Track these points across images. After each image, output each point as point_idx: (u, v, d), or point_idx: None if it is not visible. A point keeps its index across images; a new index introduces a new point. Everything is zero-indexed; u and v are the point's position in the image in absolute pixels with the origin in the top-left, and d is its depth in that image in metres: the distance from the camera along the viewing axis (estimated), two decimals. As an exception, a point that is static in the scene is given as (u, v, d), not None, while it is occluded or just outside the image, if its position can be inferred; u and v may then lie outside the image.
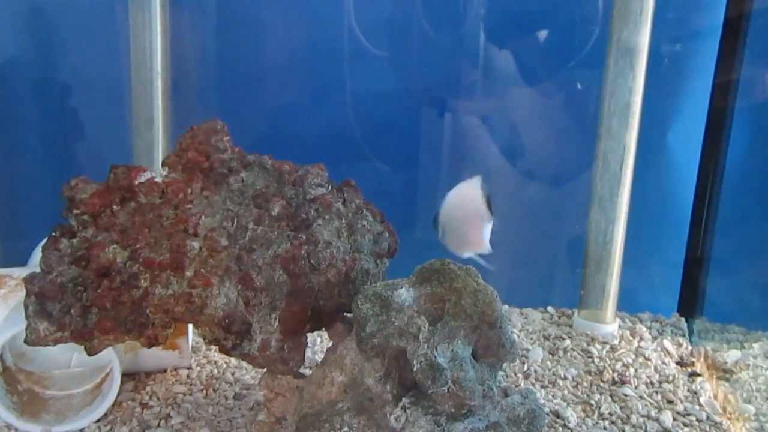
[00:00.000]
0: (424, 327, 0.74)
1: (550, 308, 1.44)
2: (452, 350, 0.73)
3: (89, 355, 0.86)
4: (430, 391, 0.72)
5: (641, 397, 1.05)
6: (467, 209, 0.85)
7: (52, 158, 1.44)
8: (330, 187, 0.87)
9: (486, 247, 0.85)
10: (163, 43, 1.35)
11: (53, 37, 1.39)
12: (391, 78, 1.50)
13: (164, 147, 1.37)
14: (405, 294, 0.75)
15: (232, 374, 1.09)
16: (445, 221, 0.84)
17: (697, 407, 1.03)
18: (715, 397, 1.08)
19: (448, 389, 0.72)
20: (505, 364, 0.83)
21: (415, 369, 0.73)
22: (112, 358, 0.94)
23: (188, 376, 1.07)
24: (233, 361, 1.13)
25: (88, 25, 1.40)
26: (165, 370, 1.07)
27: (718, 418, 1.00)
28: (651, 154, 1.39)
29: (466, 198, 0.86)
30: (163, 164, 0.92)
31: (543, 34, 1.45)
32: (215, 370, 1.09)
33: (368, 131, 1.50)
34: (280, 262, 0.79)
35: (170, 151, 1.36)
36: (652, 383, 1.11)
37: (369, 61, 1.46)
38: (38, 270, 0.88)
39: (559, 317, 1.41)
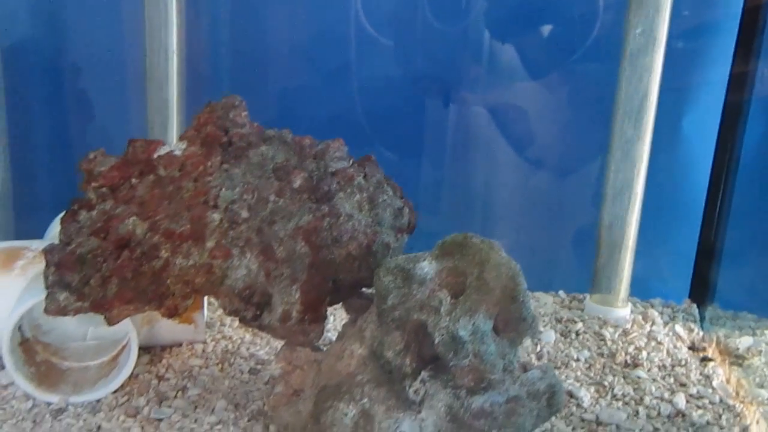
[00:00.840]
0: (446, 300, 0.74)
1: (561, 292, 1.45)
2: (473, 324, 0.73)
3: (109, 325, 0.86)
4: (451, 364, 0.72)
5: (654, 380, 1.06)
6: None
7: (67, 136, 1.44)
8: (351, 162, 0.87)
9: None
10: (178, 24, 1.34)
11: (69, 18, 1.39)
12: (399, 66, 1.50)
13: (178, 126, 1.37)
14: (427, 267, 0.75)
15: (247, 349, 1.09)
16: None
17: (710, 390, 1.03)
18: (728, 381, 1.08)
19: (468, 362, 0.72)
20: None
21: (436, 341, 0.73)
22: (129, 330, 0.94)
23: (203, 351, 1.07)
24: (247, 336, 1.14)
25: (104, 6, 1.40)
26: (180, 345, 1.08)
27: (731, 402, 1.00)
28: (666, 143, 1.39)
29: None
30: (182, 138, 0.92)
31: (556, 22, 1.44)
32: (230, 345, 1.10)
33: (375, 118, 1.50)
34: (301, 234, 0.79)
35: (184, 130, 1.38)
36: (664, 366, 1.11)
37: (377, 49, 1.46)
38: (56, 242, 0.88)
39: (570, 301, 1.41)
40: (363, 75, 1.49)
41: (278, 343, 1.12)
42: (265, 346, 1.11)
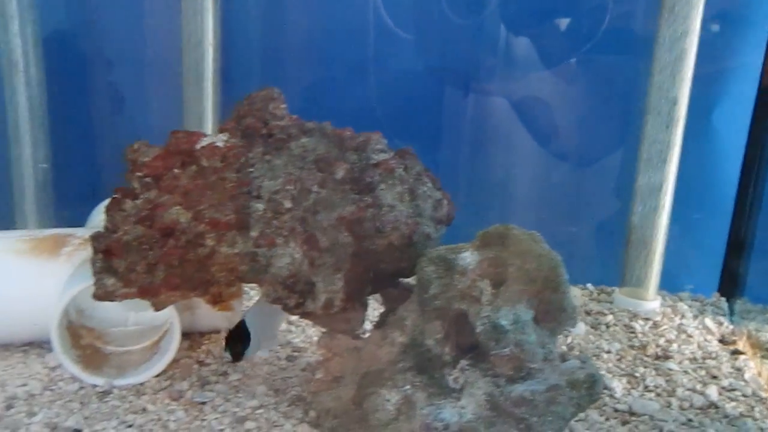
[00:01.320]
0: (487, 290, 0.76)
1: (589, 285, 1.45)
2: (514, 313, 0.75)
3: (155, 310, 0.89)
4: (492, 353, 0.74)
5: (685, 372, 1.07)
6: None
7: (104, 127, 1.47)
8: (391, 153, 0.89)
9: None
10: (214, 16, 1.36)
11: (107, 8, 1.41)
12: (421, 59, 1.50)
13: (213, 118, 1.39)
14: (469, 257, 0.77)
15: (283, 337, 1.11)
16: None
17: (742, 383, 1.04)
18: (759, 374, 1.09)
19: (509, 351, 0.74)
20: (559, 332, 0.84)
21: (478, 330, 0.75)
22: (172, 315, 0.97)
23: (240, 338, 1.09)
24: (283, 324, 1.16)
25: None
26: (218, 331, 1.10)
27: (764, 394, 1.01)
28: (697, 135, 1.39)
29: None
30: (222, 130, 0.94)
31: (580, 12, 1.44)
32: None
33: (397, 110, 1.51)
34: (344, 224, 0.81)
35: (219, 121, 1.40)
36: (695, 359, 1.12)
37: (399, 42, 1.47)
38: (101, 229, 0.91)
39: (599, 294, 1.42)
40: (386, 68, 1.50)
41: (312, 332, 1.15)
42: (300, 335, 1.13)
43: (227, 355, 0.91)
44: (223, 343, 0.91)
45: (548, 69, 1.47)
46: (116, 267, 0.88)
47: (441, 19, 1.46)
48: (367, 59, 1.50)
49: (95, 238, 0.89)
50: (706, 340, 1.19)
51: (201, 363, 1.01)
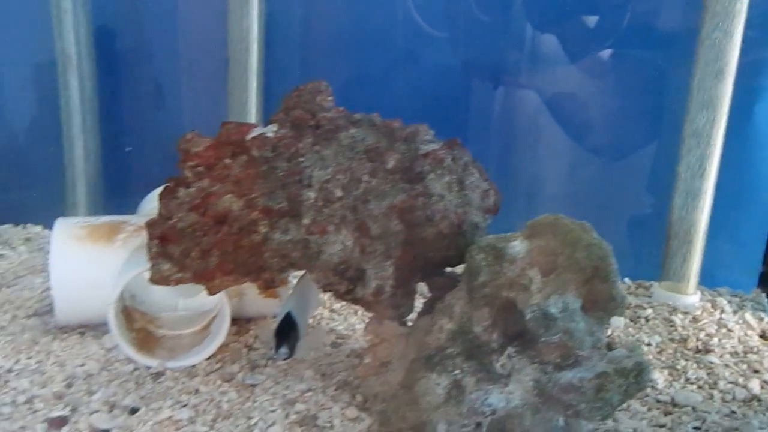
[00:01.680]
0: (536, 278, 0.77)
1: (627, 280, 1.46)
2: (563, 302, 0.76)
3: (210, 294, 0.92)
4: (541, 340, 0.76)
5: (727, 366, 1.07)
6: None
7: (150, 118, 1.51)
8: (440, 144, 0.90)
9: None
10: (259, 10, 1.39)
11: (155, 4, 1.45)
12: (454, 54, 1.52)
13: (257, 110, 1.42)
14: (519, 246, 0.78)
15: (327, 324, 1.14)
16: None
17: (784, 377, 1.04)
18: (802, 369, 1.09)
19: (558, 339, 0.75)
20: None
21: (527, 317, 0.76)
22: (222, 300, 1.00)
23: (285, 324, 1.12)
24: (326, 312, 1.19)
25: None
26: (264, 317, 1.13)
27: (807, 389, 1.01)
28: (739, 130, 1.39)
29: None
30: (271, 121, 0.97)
31: (615, 5, 1.44)
32: (310, 320, 1.15)
33: (432, 105, 1.52)
34: (396, 212, 0.83)
35: (262, 116, 1.43)
36: (736, 353, 1.12)
37: (432, 39, 1.49)
38: (155, 217, 0.94)
39: (637, 288, 1.42)
40: (423, 63, 1.52)
41: (355, 320, 1.17)
42: (343, 322, 1.16)
43: (284, 351, 0.87)
44: (274, 342, 0.88)
45: (586, 64, 1.47)
46: (171, 252, 0.91)
47: (478, 15, 1.47)
48: (404, 54, 1.52)
49: (150, 225, 0.93)
50: (746, 334, 1.19)
51: (249, 347, 1.04)
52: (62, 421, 0.83)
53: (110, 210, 1.46)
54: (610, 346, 0.81)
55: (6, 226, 1.57)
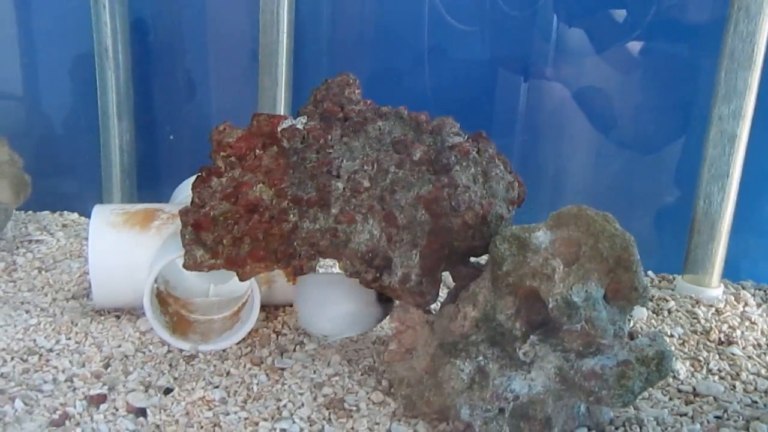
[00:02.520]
0: (559, 268, 0.79)
1: (650, 272, 1.46)
2: (586, 291, 0.78)
3: (241, 280, 0.95)
4: (564, 328, 0.77)
5: (749, 357, 1.07)
6: None
7: (183, 109, 1.54)
8: (466, 137, 0.92)
9: None
10: (289, 4, 1.42)
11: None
12: (478, 48, 1.53)
13: (286, 102, 1.45)
14: (542, 236, 0.80)
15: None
16: None
17: (807, 370, 1.04)
18: (826, 363, 1.09)
19: (580, 327, 0.77)
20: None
21: (550, 306, 0.78)
22: (253, 286, 1.03)
23: (313, 311, 1.15)
24: (352, 300, 1.21)
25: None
26: (292, 305, 1.16)
27: (830, 382, 1.01)
28: (764, 124, 1.38)
29: None
30: (301, 113, 0.99)
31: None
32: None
33: (458, 98, 1.53)
34: (422, 203, 0.85)
35: (291, 107, 1.46)
36: (759, 345, 1.12)
37: (457, 32, 1.50)
38: (188, 205, 0.97)
39: (660, 281, 1.43)
40: (451, 56, 1.53)
41: (380, 308, 1.19)
42: (369, 310, 1.19)
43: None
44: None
45: (611, 57, 1.47)
46: (204, 239, 0.95)
47: (504, 9, 1.48)
48: (427, 50, 1.53)
49: (184, 213, 0.96)
50: (770, 328, 1.19)
51: (278, 333, 1.07)
52: (101, 398, 0.87)
53: (144, 198, 1.51)
54: (632, 335, 0.83)
55: (44, 212, 1.63)
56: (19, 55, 1.54)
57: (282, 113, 1.45)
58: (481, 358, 0.81)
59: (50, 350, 0.98)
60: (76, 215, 1.62)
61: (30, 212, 1.61)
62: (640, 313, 1.22)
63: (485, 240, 0.87)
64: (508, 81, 1.53)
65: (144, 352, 1.00)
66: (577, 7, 1.46)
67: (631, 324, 1.18)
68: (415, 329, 0.92)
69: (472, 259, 0.95)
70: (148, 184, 1.54)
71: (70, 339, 1.02)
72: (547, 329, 0.83)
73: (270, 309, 1.15)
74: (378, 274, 0.89)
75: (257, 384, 0.92)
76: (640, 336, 0.81)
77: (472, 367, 0.81)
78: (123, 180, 1.50)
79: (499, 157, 0.94)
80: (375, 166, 0.90)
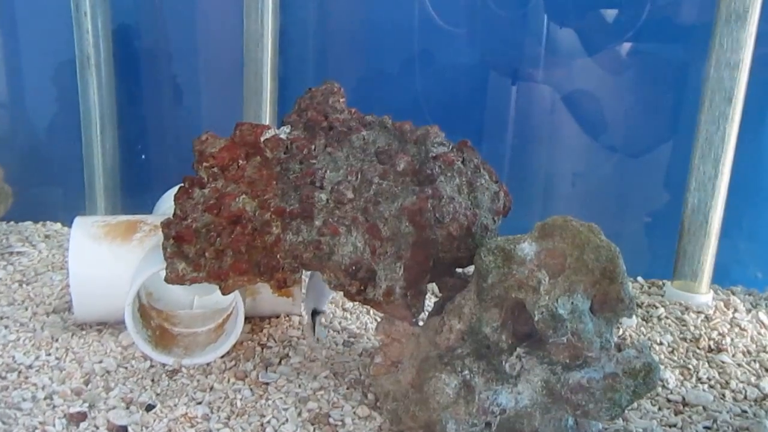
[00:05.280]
0: (545, 280, 0.78)
1: (639, 278, 1.46)
2: (572, 303, 0.77)
3: (223, 294, 0.93)
4: (550, 341, 0.76)
5: (739, 365, 1.07)
6: None
7: (167, 118, 1.53)
8: (450, 146, 0.91)
9: None
10: (273, 12, 1.40)
11: (172, 7, 1.47)
12: (467, 53, 1.52)
13: (271, 110, 1.43)
14: (527, 248, 0.79)
15: (339, 323, 1.15)
16: None
17: (797, 378, 1.04)
18: (815, 369, 1.08)
19: (566, 339, 0.76)
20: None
21: (536, 319, 0.77)
22: (237, 299, 1.01)
23: (299, 323, 1.14)
24: (338, 311, 1.20)
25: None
26: (278, 316, 1.15)
27: (820, 389, 1.01)
28: (752, 129, 1.38)
29: None
30: (285, 122, 0.98)
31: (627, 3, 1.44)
32: (323, 319, 1.16)
33: (446, 103, 1.53)
34: (406, 214, 0.84)
35: (276, 114, 1.45)
36: (749, 352, 1.12)
37: (445, 36, 1.49)
38: (171, 216, 0.95)
39: (650, 287, 1.42)
40: (435, 62, 1.52)
41: (367, 318, 1.18)
42: (356, 321, 1.17)
43: None
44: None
45: (600, 61, 1.47)
46: (186, 252, 0.93)
47: (494, 12, 1.47)
48: (416, 54, 1.52)
49: (166, 225, 0.94)
50: (759, 333, 1.19)
51: (263, 346, 1.06)
52: (81, 416, 0.85)
53: (128, 206, 1.49)
54: (619, 347, 0.81)
55: (26, 223, 1.60)
56: (0, 64, 1.52)
57: (267, 121, 1.44)
58: (466, 371, 0.80)
59: (29, 367, 0.96)
60: (59, 225, 1.60)
61: (12, 223, 1.59)
62: (630, 321, 1.21)
63: (470, 251, 0.85)
64: (497, 85, 1.53)
65: (126, 368, 0.98)
66: (566, 11, 1.45)
67: (620, 332, 1.17)
68: (401, 342, 0.91)
69: (460, 270, 0.94)
70: (133, 192, 1.52)
71: (50, 355, 1.00)
72: (534, 341, 0.81)
73: (255, 321, 1.14)
74: (362, 287, 0.87)
75: (241, 399, 0.91)
76: (627, 348, 0.80)
77: (457, 381, 0.80)
78: (107, 188, 1.48)
79: (485, 166, 0.93)
80: (359, 176, 0.89)
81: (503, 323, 0.82)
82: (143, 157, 1.50)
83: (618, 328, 1.18)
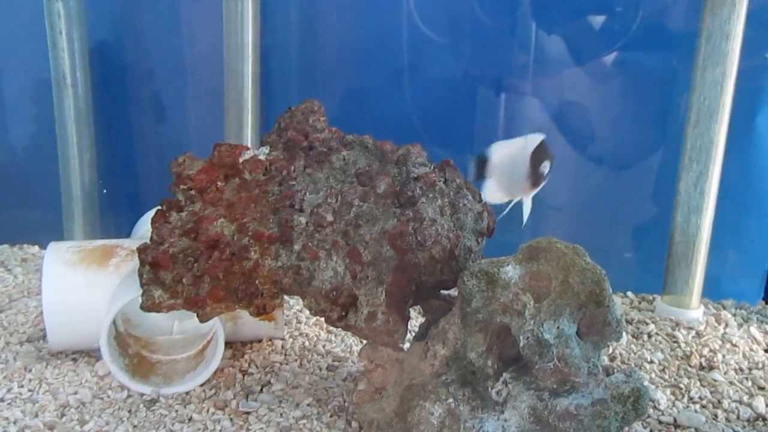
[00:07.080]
0: (530, 304, 0.76)
1: (629, 293, 1.44)
2: (558, 327, 0.74)
3: (201, 321, 0.90)
4: (536, 367, 0.74)
5: (731, 383, 1.05)
6: (519, 156, 0.92)
7: (147, 136, 1.50)
8: (432, 166, 0.89)
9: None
10: (254, 26, 1.38)
11: (150, 23, 1.45)
12: (453, 65, 1.50)
13: (253, 126, 1.41)
14: (512, 271, 0.77)
15: (323, 347, 1.12)
16: (495, 162, 0.92)
17: (790, 395, 1.02)
18: (808, 386, 1.06)
19: (553, 365, 0.74)
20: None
21: (522, 344, 0.74)
22: (216, 325, 0.98)
23: (282, 347, 1.11)
24: (323, 334, 1.17)
25: (185, 8, 1.45)
26: (260, 340, 1.12)
27: (813, 407, 0.99)
28: (740, 141, 1.37)
29: (520, 146, 0.93)
30: (264, 142, 0.96)
31: (617, 12, 1.43)
32: (307, 342, 1.13)
33: (430, 116, 1.51)
34: (387, 238, 0.82)
35: (259, 131, 1.42)
36: (741, 369, 1.10)
37: (431, 48, 1.47)
38: (148, 241, 0.93)
39: (640, 302, 1.40)
40: (422, 74, 1.51)
41: (352, 341, 1.16)
42: (341, 344, 1.14)
43: None
44: None
45: (588, 72, 1.46)
46: (163, 279, 0.90)
47: (481, 23, 1.46)
48: (404, 66, 1.50)
49: (142, 250, 0.91)
50: (751, 349, 1.17)
51: (244, 372, 1.03)
52: (53, 453, 0.82)
53: (107, 227, 1.46)
54: (608, 371, 0.79)
55: (2, 246, 1.57)
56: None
57: (249, 139, 1.41)
58: (451, 400, 0.77)
59: (1, 400, 0.93)
60: (36, 248, 1.56)
61: (-13, 246, 1.56)
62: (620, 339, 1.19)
63: (454, 273, 0.83)
64: (485, 96, 1.51)
65: (102, 398, 0.95)
66: (555, 22, 1.44)
67: (610, 350, 1.15)
68: (385, 368, 0.89)
69: (444, 292, 0.91)
70: (111, 213, 1.49)
71: (22, 387, 0.97)
72: (521, 366, 0.79)
73: (237, 345, 1.11)
74: (344, 313, 0.85)
75: (221, 430, 0.88)
76: (615, 372, 0.78)
77: (442, 410, 0.77)
78: (85, 210, 1.45)
79: (468, 186, 0.91)
80: (339, 198, 0.87)
81: (489, 348, 0.80)
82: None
83: (607, 346, 1.16)
